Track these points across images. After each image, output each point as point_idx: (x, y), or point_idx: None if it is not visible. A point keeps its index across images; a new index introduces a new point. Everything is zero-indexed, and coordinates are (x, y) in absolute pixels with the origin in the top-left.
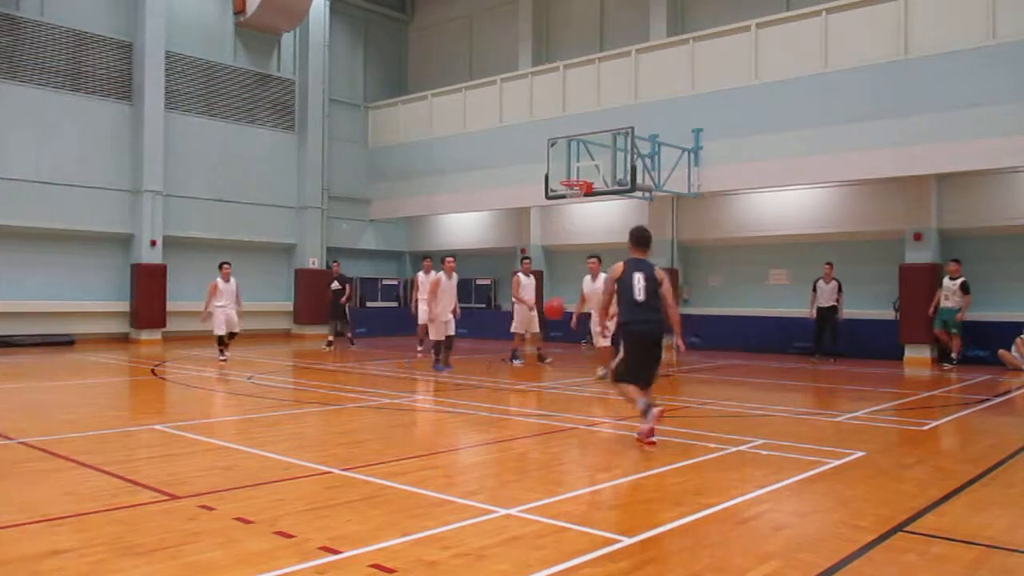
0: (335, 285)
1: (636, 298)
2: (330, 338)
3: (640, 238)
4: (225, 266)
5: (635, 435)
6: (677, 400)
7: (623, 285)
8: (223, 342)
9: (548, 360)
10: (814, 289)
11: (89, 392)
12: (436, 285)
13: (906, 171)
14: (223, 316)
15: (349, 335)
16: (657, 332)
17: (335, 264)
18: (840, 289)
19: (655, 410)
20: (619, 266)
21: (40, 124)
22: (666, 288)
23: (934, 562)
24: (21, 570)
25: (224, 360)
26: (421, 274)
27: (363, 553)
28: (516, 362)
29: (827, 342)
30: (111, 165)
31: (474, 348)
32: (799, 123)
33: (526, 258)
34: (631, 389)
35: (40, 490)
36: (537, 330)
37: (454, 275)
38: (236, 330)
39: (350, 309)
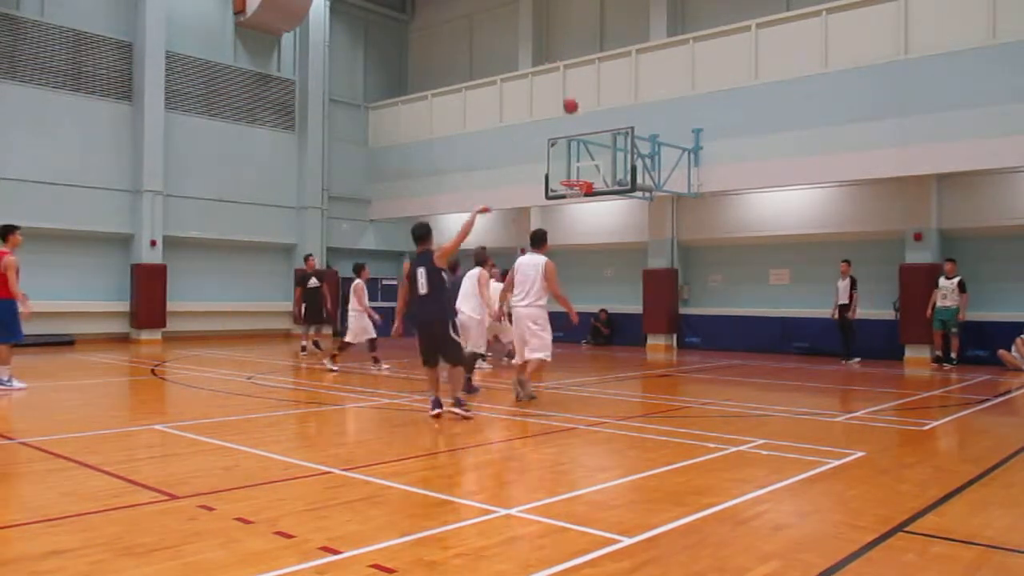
0: (313, 282)
1: (420, 292)
2: (313, 340)
3: (416, 235)
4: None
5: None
6: (677, 400)
7: (412, 281)
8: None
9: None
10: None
11: (89, 392)
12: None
13: (906, 171)
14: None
15: (318, 342)
16: (440, 319)
17: (310, 259)
18: (854, 286)
19: (438, 411)
20: (407, 264)
21: (40, 124)
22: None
23: (934, 562)
24: (21, 570)
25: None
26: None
27: (363, 553)
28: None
29: (840, 341)
30: (111, 165)
31: None
32: (799, 123)
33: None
34: (427, 376)
35: (40, 490)
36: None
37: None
38: (346, 339)
39: (328, 312)
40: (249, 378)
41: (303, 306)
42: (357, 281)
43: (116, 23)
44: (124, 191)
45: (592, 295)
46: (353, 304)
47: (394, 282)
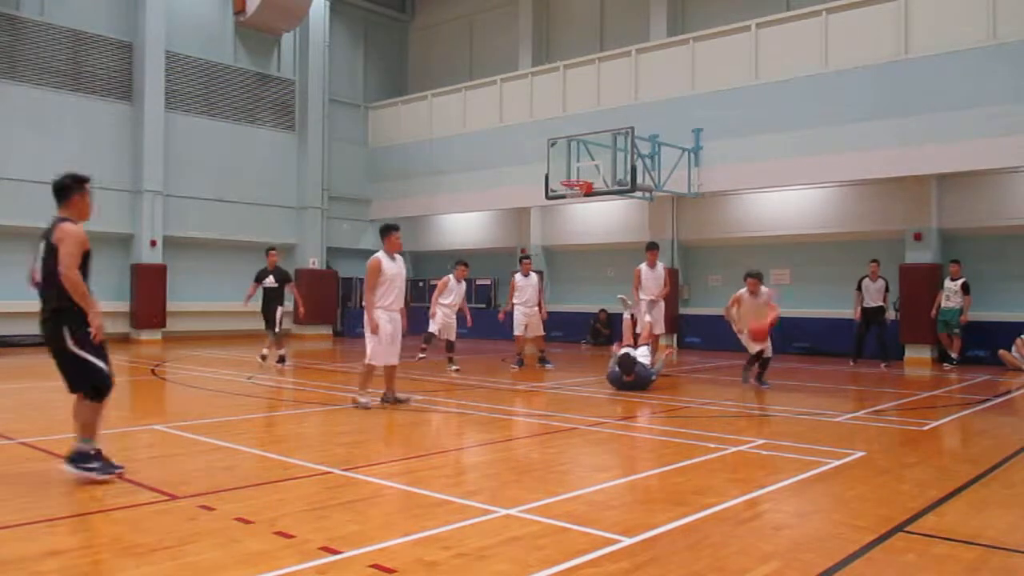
0: (269, 281)
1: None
2: (280, 354)
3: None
4: (461, 267)
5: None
6: (677, 400)
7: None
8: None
9: (549, 365)
10: (858, 288)
11: None
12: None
13: (906, 171)
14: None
15: (280, 352)
16: (47, 328)
17: (271, 253)
18: (888, 288)
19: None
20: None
21: (40, 124)
22: (63, 254)
23: (934, 562)
24: (21, 570)
25: (421, 358)
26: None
27: (363, 553)
28: (514, 366)
29: (876, 345)
30: (111, 165)
31: (475, 348)
32: (799, 123)
33: (525, 258)
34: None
35: (38, 490)
36: (540, 332)
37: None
38: (449, 337)
39: (282, 315)
40: (249, 378)
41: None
42: (445, 277)
43: (116, 23)
44: (124, 191)
45: (592, 295)
46: (437, 300)
47: None
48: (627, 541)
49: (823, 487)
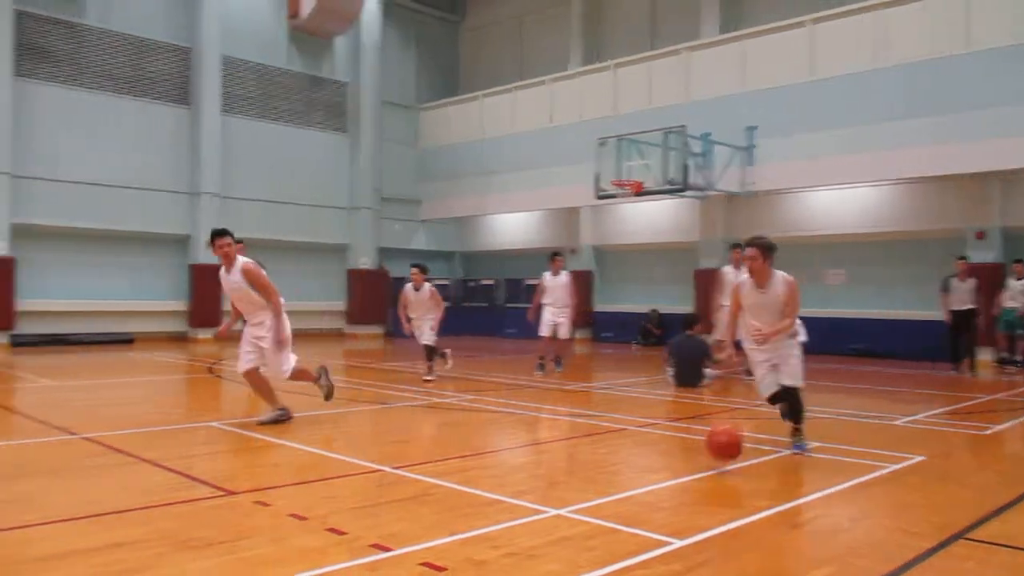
0: None
1: None
2: None
3: None
4: (414, 271)
5: None
6: (729, 402)
7: None
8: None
9: (559, 368)
10: (944, 289)
11: (148, 389)
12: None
13: (970, 168)
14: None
15: None
16: None
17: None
18: (979, 288)
19: None
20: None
21: (102, 128)
22: None
23: (996, 571)
24: (85, 561)
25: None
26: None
27: (413, 551)
28: (537, 372)
29: (962, 349)
30: (170, 168)
31: (521, 348)
32: (856, 120)
33: (556, 255)
34: None
35: (101, 485)
36: (564, 335)
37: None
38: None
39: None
40: None
41: None
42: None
43: (175, 29)
44: (182, 193)
45: (643, 295)
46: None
47: (445, 282)
48: (677, 543)
49: (880, 491)
